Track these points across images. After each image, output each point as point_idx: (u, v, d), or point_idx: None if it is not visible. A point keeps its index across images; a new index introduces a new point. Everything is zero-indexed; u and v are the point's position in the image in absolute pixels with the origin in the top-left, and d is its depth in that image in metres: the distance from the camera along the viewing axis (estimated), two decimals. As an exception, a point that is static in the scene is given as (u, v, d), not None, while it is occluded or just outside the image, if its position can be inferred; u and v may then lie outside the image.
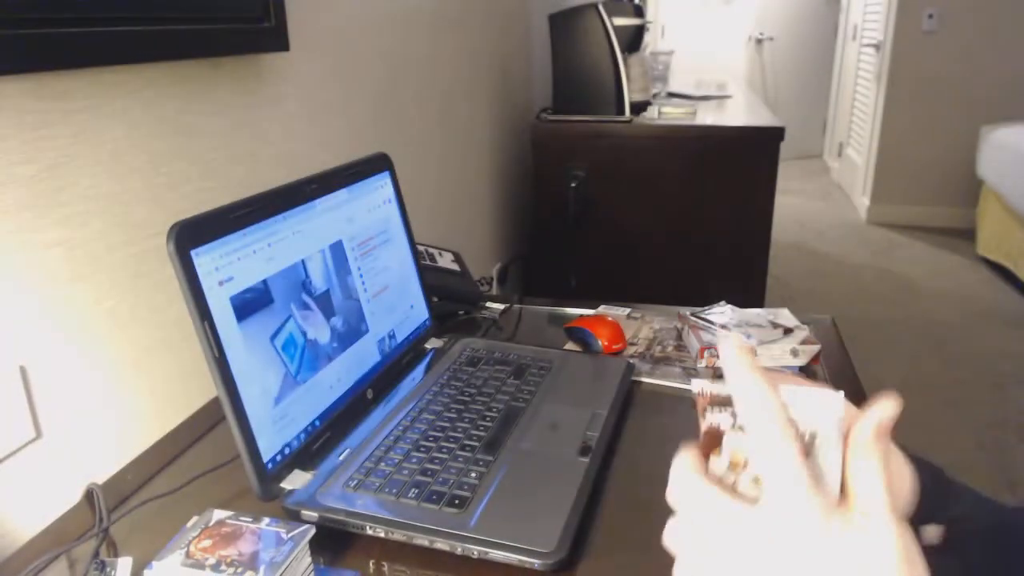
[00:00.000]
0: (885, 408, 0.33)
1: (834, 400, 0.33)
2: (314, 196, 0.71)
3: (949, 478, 0.42)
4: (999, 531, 0.43)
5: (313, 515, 0.59)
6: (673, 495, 0.35)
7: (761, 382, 0.33)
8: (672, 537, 0.35)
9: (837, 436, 0.33)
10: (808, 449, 0.32)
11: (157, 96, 0.81)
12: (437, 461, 0.65)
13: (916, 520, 0.40)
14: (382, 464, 0.65)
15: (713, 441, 0.36)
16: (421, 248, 0.99)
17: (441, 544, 0.57)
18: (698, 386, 0.36)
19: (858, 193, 4.73)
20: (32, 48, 0.64)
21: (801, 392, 0.34)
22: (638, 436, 0.73)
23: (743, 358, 0.34)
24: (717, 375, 0.31)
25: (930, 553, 0.35)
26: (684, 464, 0.35)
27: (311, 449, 0.65)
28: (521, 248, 2.55)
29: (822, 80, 6.04)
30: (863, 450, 0.32)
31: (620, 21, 2.29)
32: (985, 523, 0.42)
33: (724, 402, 0.35)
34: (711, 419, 0.36)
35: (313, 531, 0.53)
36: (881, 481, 0.31)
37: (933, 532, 0.40)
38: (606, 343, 0.90)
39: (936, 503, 0.40)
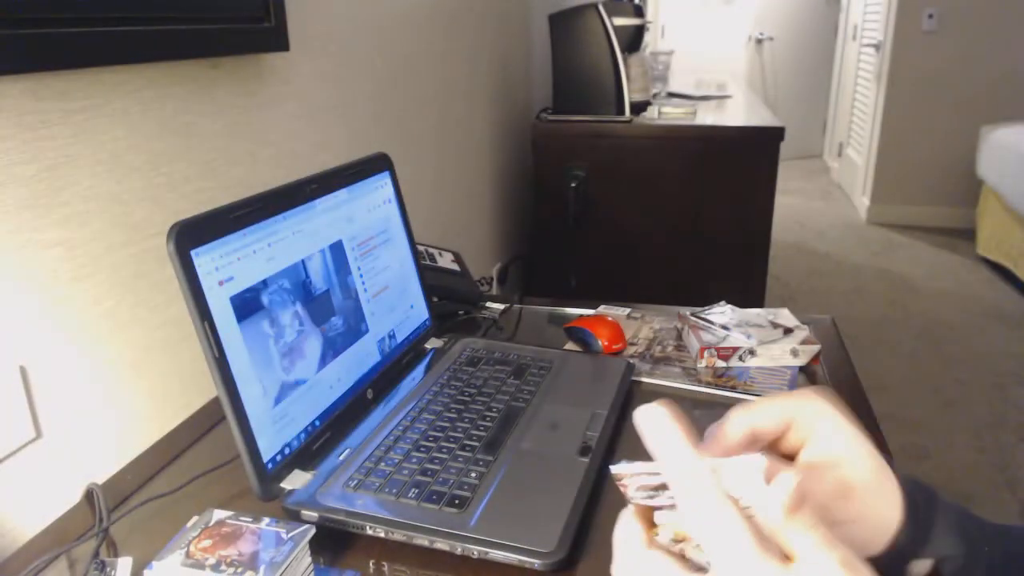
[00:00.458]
0: (784, 486, 0.32)
1: (756, 463, 0.33)
2: (314, 196, 0.71)
3: (940, 501, 0.41)
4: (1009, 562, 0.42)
5: (313, 515, 0.59)
6: (621, 569, 0.35)
7: (686, 453, 0.33)
8: None
9: (763, 499, 0.32)
10: (747, 512, 0.32)
11: (157, 96, 0.81)
12: (437, 461, 0.65)
13: (905, 546, 0.39)
14: (382, 464, 0.65)
15: (645, 517, 0.36)
16: (421, 248, 0.99)
17: (441, 544, 0.57)
18: (616, 469, 0.35)
19: (858, 193, 4.73)
20: (32, 48, 0.64)
21: (725, 459, 0.34)
22: (638, 436, 0.73)
23: (665, 429, 0.34)
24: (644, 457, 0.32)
25: None
26: (632, 538, 0.35)
27: (311, 449, 0.65)
28: (521, 248, 2.55)
29: (822, 80, 6.04)
30: (786, 527, 0.32)
31: (620, 21, 2.29)
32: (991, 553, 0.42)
33: (646, 479, 0.35)
34: (640, 500, 0.35)
35: (313, 531, 0.53)
36: (820, 543, 0.31)
37: (921, 567, 0.40)
38: (606, 343, 0.90)
39: (924, 528, 0.40)
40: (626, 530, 0.35)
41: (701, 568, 0.33)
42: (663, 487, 0.34)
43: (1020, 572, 0.42)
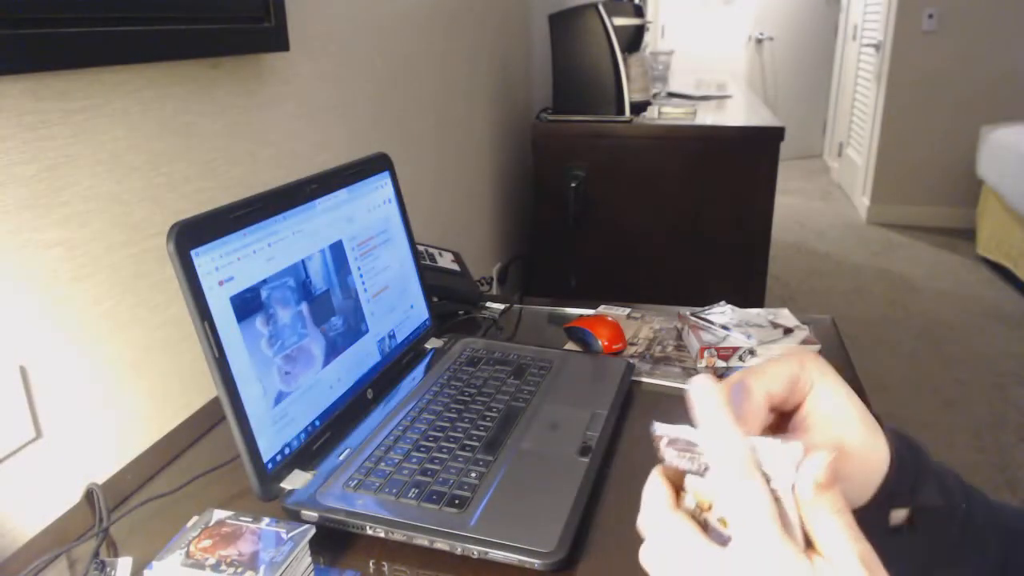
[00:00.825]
0: (819, 462, 0.33)
1: (794, 450, 0.33)
2: (314, 196, 0.71)
3: (925, 457, 0.42)
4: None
5: (313, 515, 0.59)
6: (646, 525, 0.36)
7: (731, 430, 0.34)
8: (647, 559, 0.36)
9: (792, 483, 0.33)
10: (775, 496, 0.32)
11: (157, 96, 0.81)
12: (437, 461, 0.65)
13: (888, 496, 0.40)
14: (382, 464, 0.65)
15: (676, 480, 0.36)
16: (421, 248, 0.99)
17: (441, 544, 0.57)
18: (659, 429, 0.36)
19: (858, 193, 4.73)
20: (32, 48, 0.64)
21: (765, 440, 0.34)
22: (638, 436, 0.73)
23: (716, 402, 0.34)
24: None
25: (899, 536, 0.35)
26: (658, 498, 0.35)
27: (311, 449, 0.65)
28: (521, 248, 2.55)
29: (822, 80, 6.04)
30: (814, 505, 0.32)
31: (620, 21, 2.29)
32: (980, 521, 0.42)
33: (682, 443, 0.35)
34: (672, 462, 0.36)
35: (313, 531, 0.53)
36: (844, 531, 0.31)
37: (899, 515, 0.41)
38: (606, 343, 0.90)
39: (912, 478, 0.41)
40: (654, 488, 0.36)
41: (720, 540, 0.33)
42: (698, 453, 0.35)
43: (995, 531, 0.42)
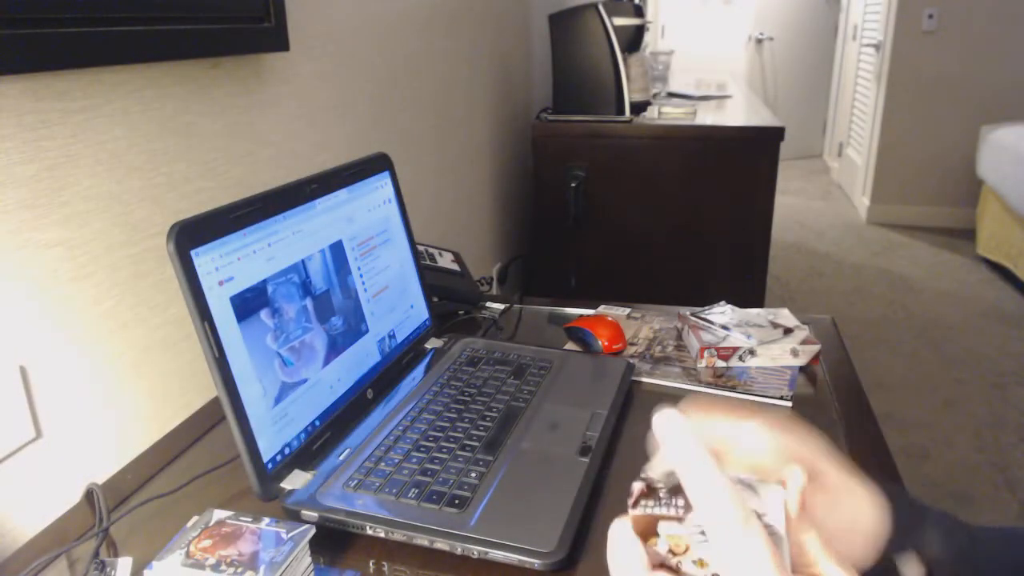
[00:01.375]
0: (796, 484, 0.32)
1: (772, 485, 0.33)
2: (314, 196, 0.71)
3: (921, 507, 0.41)
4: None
5: (313, 515, 0.59)
6: None
7: (709, 464, 0.32)
8: None
9: (781, 517, 0.32)
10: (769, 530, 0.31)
11: (157, 96, 0.81)
12: (437, 461, 0.65)
13: (890, 550, 0.39)
14: (382, 464, 0.65)
15: (644, 526, 0.34)
16: (421, 248, 0.99)
17: (441, 544, 0.57)
18: (638, 484, 0.34)
19: (858, 193, 4.74)
20: (32, 48, 0.64)
21: (742, 477, 0.33)
22: (638, 436, 0.73)
23: (684, 438, 0.33)
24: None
25: None
26: (632, 561, 0.33)
27: (311, 449, 0.65)
28: (521, 248, 2.56)
29: (822, 80, 6.04)
30: (794, 527, 0.31)
31: (620, 21, 2.29)
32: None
33: (658, 489, 0.34)
34: (649, 511, 0.34)
35: (313, 531, 0.53)
36: (824, 554, 0.31)
37: (914, 567, 0.40)
38: (606, 343, 0.90)
39: (908, 533, 0.40)
40: (625, 550, 0.33)
41: None
42: (675, 497, 0.33)
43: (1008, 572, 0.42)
